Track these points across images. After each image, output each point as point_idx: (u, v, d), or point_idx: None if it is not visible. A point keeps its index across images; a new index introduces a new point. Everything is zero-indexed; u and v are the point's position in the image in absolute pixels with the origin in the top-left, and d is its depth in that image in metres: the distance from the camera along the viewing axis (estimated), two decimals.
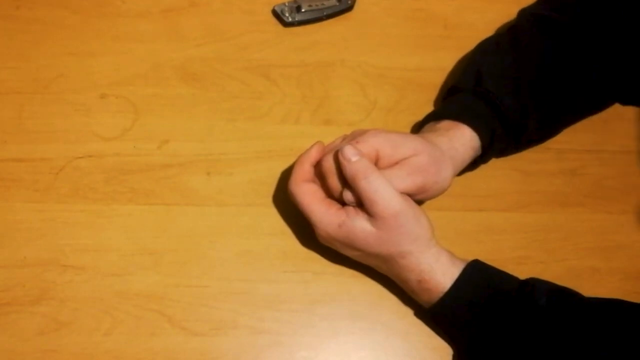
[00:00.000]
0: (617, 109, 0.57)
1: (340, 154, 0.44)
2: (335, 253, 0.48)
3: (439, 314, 0.46)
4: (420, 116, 0.56)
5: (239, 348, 0.47)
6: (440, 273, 0.44)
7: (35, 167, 0.54)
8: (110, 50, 0.60)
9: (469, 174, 0.53)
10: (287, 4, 0.63)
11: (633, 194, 0.54)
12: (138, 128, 0.56)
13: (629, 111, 0.57)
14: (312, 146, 0.48)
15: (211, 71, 0.59)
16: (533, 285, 0.44)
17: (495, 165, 0.54)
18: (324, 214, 0.45)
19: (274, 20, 0.63)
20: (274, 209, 0.53)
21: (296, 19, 0.62)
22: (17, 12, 0.63)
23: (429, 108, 0.58)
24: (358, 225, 0.44)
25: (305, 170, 0.47)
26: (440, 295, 0.44)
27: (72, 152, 0.54)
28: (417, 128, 0.54)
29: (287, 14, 0.62)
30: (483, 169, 0.54)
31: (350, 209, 0.45)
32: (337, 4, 0.63)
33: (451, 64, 0.60)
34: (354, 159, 0.43)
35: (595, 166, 0.55)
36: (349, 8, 0.64)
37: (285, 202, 0.52)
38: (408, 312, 0.49)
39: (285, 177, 0.54)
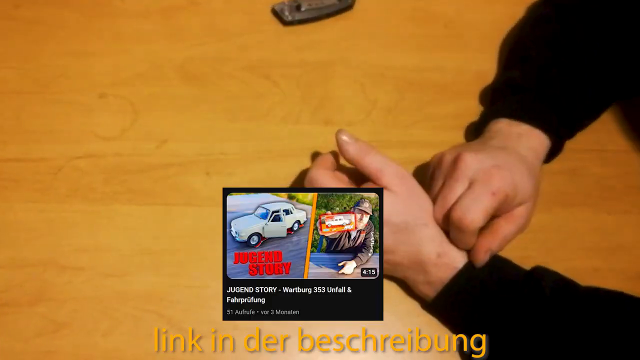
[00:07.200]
0: (619, 108, 0.57)
1: (338, 138, 0.47)
2: None
3: (451, 294, 0.45)
4: (420, 116, 0.56)
5: (239, 349, 0.47)
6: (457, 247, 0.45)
7: (35, 167, 0.54)
8: (109, 50, 0.60)
9: None
10: (286, 3, 0.63)
11: (635, 194, 0.53)
12: (137, 128, 0.56)
13: (632, 111, 0.57)
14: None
15: (211, 71, 0.59)
16: (540, 274, 0.44)
17: None
18: None
19: (273, 20, 0.63)
20: None
21: (296, 18, 0.62)
22: (17, 12, 0.63)
23: (429, 108, 0.58)
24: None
25: (327, 160, 0.49)
26: (455, 272, 0.44)
27: (72, 152, 0.54)
28: (481, 121, 0.54)
29: (286, 13, 0.62)
30: None
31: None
32: (337, 3, 0.63)
33: (451, 64, 0.60)
34: (352, 141, 0.47)
35: (597, 166, 0.55)
36: (349, 7, 0.64)
37: None
38: (408, 314, 0.48)
39: (285, 177, 0.54)
